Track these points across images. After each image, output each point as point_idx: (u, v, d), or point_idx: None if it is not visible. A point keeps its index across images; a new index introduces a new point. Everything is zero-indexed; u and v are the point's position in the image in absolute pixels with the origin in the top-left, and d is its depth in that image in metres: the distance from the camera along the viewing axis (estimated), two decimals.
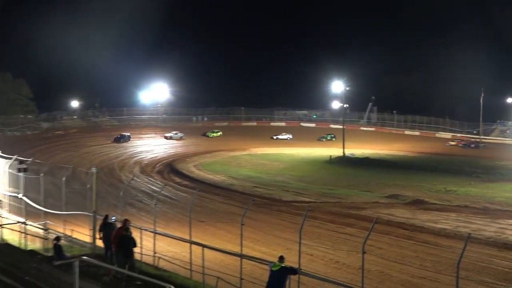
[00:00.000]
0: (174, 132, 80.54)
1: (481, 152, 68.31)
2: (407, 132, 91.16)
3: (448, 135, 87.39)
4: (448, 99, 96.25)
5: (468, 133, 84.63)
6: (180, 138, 79.57)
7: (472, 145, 78.32)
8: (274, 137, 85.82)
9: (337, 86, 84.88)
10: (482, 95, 63.38)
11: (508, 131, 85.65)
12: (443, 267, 19.68)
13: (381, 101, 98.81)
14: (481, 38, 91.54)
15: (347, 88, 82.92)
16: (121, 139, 71.15)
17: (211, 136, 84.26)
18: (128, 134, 74.13)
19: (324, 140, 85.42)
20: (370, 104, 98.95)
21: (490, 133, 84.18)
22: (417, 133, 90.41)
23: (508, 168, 57.18)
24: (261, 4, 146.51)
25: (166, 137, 79.11)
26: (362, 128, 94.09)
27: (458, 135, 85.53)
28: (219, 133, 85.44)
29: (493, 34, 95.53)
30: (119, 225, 17.18)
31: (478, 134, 73.59)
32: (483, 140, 78.00)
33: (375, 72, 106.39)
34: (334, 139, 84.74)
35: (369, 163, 61.69)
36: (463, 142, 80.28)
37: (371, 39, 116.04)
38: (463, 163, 59.29)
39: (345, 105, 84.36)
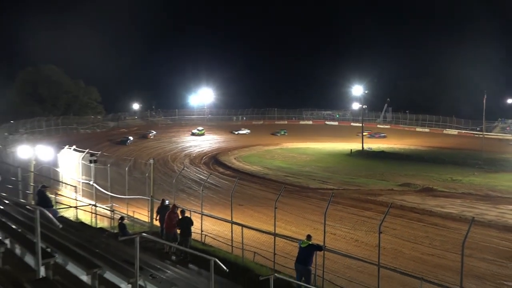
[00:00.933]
0: (151, 130, 74.26)
1: (475, 145, 66.07)
2: (418, 129, 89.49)
3: (454, 131, 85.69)
4: (455, 99, 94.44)
5: (472, 130, 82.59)
6: (154, 136, 71.68)
7: (376, 135, 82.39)
8: (235, 132, 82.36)
9: (357, 89, 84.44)
10: (485, 96, 61.71)
11: (508, 128, 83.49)
12: (450, 246, 19.33)
13: (395, 102, 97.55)
14: (485, 46, 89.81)
15: (366, 91, 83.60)
16: (126, 141, 65.07)
17: (196, 133, 75.95)
18: (131, 137, 67.64)
19: (278, 134, 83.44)
20: (386, 105, 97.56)
21: (492, 130, 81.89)
22: (427, 130, 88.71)
23: (508, 160, 55.45)
24: (294, 20, 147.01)
25: (145, 136, 70.39)
26: (378, 125, 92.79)
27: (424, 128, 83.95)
28: (202, 131, 77.82)
29: (496, 42, 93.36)
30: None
31: (481, 130, 71.57)
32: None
33: (390, 77, 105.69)
34: (286, 133, 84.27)
35: (384, 156, 60.80)
36: (371, 133, 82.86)
37: (387, 49, 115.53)
38: (467, 156, 57.85)
39: (364, 106, 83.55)
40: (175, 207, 16.54)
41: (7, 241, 6.90)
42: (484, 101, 62.11)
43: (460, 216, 27.45)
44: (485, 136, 67.89)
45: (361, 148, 65.56)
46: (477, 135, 75.56)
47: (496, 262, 19.15)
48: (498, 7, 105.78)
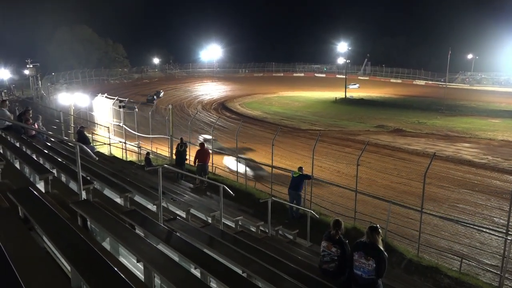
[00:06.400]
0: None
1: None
2: (392, 80, 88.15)
3: (422, 82, 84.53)
4: (424, 55, 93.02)
5: (437, 80, 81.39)
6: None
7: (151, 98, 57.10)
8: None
9: (342, 46, 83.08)
10: (450, 52, 60.37)
11: (467, 79, 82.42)
12: (414, 176, 19.56)
13: (374, 57, 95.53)
14: (453, 7, 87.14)
15: (349, 48, 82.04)
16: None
17: None
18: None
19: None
20: (366, 60, 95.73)
21: (454, 81, 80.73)
22: (399, 81, 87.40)
23: (465, 106, 55.09)
24: None
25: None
26: (359, 77, 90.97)
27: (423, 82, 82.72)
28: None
29: (462, 5, 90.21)
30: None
31: (445, 81, 70.48)
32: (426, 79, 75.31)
33: (370, 36, 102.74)
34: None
35: (363, 102, 60.24)
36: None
37: (368, 11, 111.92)
38: (432, 102, 57.31)
39: (347, 61, 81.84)
40: (203, 145, 16.45)
41: (54, 171, 6.98)
42: (449, 56, 60.75)
43: (423, 152, 27.64)
44: (448, 86, 67.08)
45: (344, 96, 65.02)
46: (441, 85, 74.58)
47: (451, 189, 19.51)
48: None
